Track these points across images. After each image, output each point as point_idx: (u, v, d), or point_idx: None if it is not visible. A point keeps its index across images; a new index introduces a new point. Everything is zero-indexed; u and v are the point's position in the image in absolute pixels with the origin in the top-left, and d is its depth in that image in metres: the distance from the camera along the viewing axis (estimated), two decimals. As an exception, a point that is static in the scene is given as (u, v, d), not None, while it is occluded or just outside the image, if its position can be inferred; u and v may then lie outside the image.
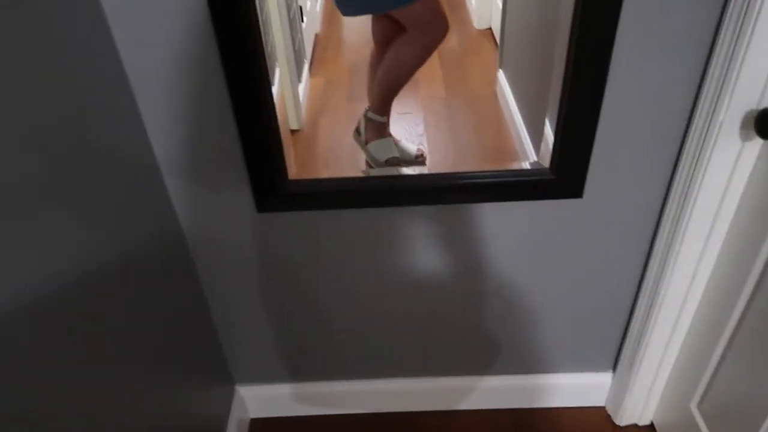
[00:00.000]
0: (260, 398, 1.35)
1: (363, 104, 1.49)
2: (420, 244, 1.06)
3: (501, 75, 1.59)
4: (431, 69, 1.74)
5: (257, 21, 0.77)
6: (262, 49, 0.80)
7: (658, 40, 0.82)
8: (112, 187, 0.79)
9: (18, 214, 0.60)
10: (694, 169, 0.92)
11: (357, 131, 1.39)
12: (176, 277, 1.01)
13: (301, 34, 1.65)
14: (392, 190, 0.95)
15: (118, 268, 0.80)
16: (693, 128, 0.90)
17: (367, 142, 1.35)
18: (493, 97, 1.60)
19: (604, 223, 1.04)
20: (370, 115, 1.35)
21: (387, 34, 1.33)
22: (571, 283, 1.13)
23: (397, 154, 1.37)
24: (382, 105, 1.36)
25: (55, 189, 0.66)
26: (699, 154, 0.90)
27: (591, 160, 0.94)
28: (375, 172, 1.39)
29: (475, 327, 1.21)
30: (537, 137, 1.19)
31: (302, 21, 1.68)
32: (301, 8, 1.66)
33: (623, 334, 1.23)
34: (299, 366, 1.30)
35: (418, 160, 1.42)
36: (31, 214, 0.62)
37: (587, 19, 0.78)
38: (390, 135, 1.38)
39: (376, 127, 1.36)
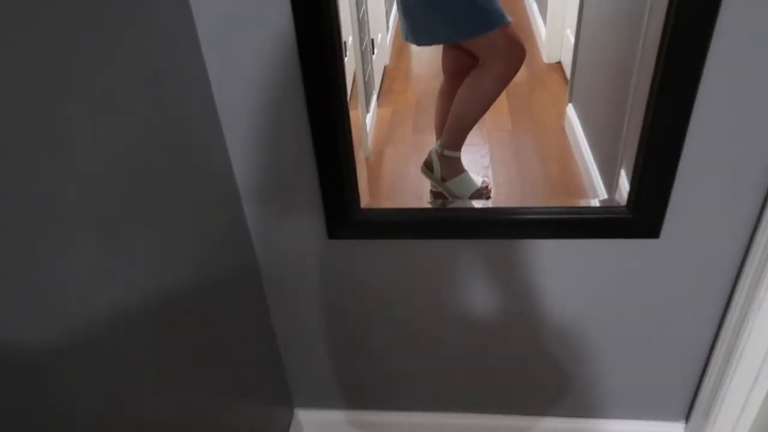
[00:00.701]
0: (318, 422, 1.35)
1: (428, 135, 1.50)
2: (486, 279, 1.05)
3: (570, 109, 1.57)
4: (498, 101, 1.74)
5: (341, 53, 0.80)
6: (344, 78, 0.82)
7: (748, 77, 0.79)
8: (195, 211, 0.82)
9: (112, 233, 0.63)
10: (783, 214, 0.87)
11: (428, 167, 1.37)
12: (246, 299, 1.04)
13: (372, 65, 1.70)
14: (462, 222, 0.95)
15: (194, 289, 0.83)
16: (782, 171, 0.86)
17: (444, 180, 1.33)
18: (561, 131, 1.59)
19: (681, 265, 1.00)
20: (446, 152, 1.33)
21: (458, 65, 1.33)
22: (642, 326, 1.09)
23: (478, 186, 1.34)
24: (457, 140, 1.33)
25: (145, 211, 0.69)
26: (788, 198, 0.86)
27: (670, 200, 0.91)
28: (438, 203, 1.39)
29: (536, 365, 1.18)
30: (608, 174, 1.17)
31: (373, 53, 1.72)
32: (372, 41, 1.71)
33: (698, 382, 1.17)
34: (357, 393, 1.29)
35: (484, 192, 1.41)
36: (120, 234, 0.65)
37: (673, 57, 0.76)
38: (465, 170, 1.35)
39: (453, 163, 1.34)
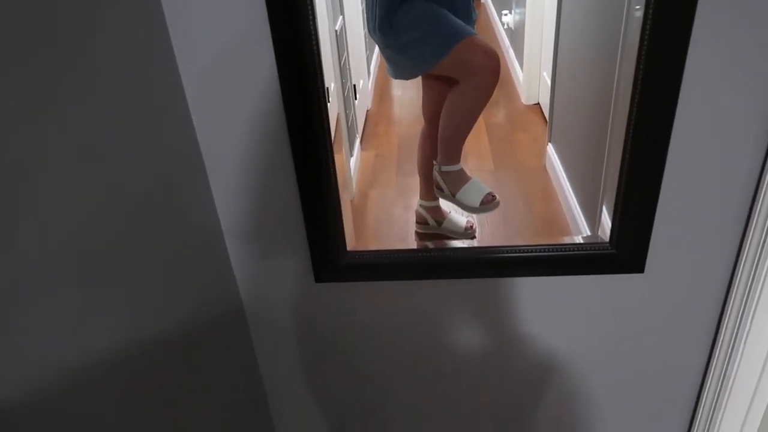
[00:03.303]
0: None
1: (412, 178, 1.51)
2: (474, 318, 1.05)
3: (551, 149, 1.60)
4: (480, 143, 1.77)
5: (324, 99, 0.81)
6: (327, 123, 0.83)
7: (721, 111, 0.82)
8: (178, 256, 0.81)
9: (90, 281, 0.62)
10: (763, 246, 0.89)
11: (438, 188, 1.36)
12: (231, 341, 1.02)
13: (354, 110, 1.72)
14: (448, 263, 0.96)
15: (178, 334, 0.81)
16: (759, 202, 0.88)
17: (454, 195, 1.33)
18: (543, 170, 1.61)
19: (667, 298, 1.00)
20: (444, 168, 1.33)
21: (438, 107, 1.36)
22: (631, 361, 1.09)
23: (487, 191, 1.33)
24: (452, 156, 1.32)
25: (127, 253, 0.69)
26: (766, 231, 0.88)
27: (652, 234, 0.93)
28: (427, 229, 1.38)
29: (528, 403, 1.17)
30: (590, 211, 1.18)
31: (355, 98, 1.75)
32: (354, 86, 1.74)
33: (691, 416, 1.16)
34: (346, 441, 1.26)
35: (468, 232, 1.42)
36: (99, 282, 0.64)
37: (647, 96, 0.79)
38: (470, 177, 1.33)
39: (456, 175, 1.33)
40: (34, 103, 0.53)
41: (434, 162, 1.36)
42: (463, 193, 1.32)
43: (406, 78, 1.39)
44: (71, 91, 0.59)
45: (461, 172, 1.34)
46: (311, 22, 0.77)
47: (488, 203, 1.31)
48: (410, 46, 1.25)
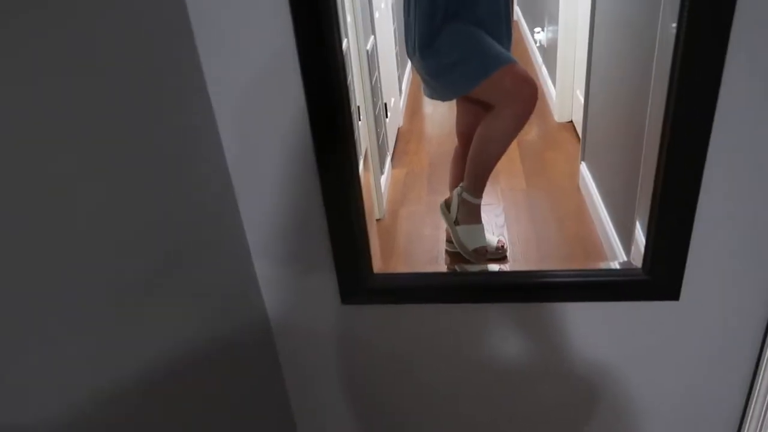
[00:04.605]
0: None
1: (442, 196, 1.51)
2: (504, 342, 1.03)
3: (584, 168, 1.58)
4: (511, 161, 1.76)
5: (351, 121, 0.82)
6: (354, 146, 0.84)
7: (759, 128, 0.79)
8: (206, 277, 0.82)
9: (120, 303, 0.63)
10: (806, 273, 0.85)
11: (447, 206, 1.35)
12: (258, 361, 1.02)
13: (385, 128, 1.73)
14: (477, 287, 0.94)
15: (205, 348, 0.82)
16: (802, 229, 0.84)
17: (457, 223, 1.32)
18: (576, 190, 1.59)
19: (703, 327, 0.97)
20: (465, 195, 1.33)
21: (472, 127, 1.35)
22: (667, 391, 1.05)
23: (485, 244, 1.32)
24: (477, 185, 1.32)
25: (156, 275, 0.70)
26: (810, 258, 0.84)
27: (688, 260, 0.90)
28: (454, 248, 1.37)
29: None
30: (625, 233, 1.16)
31: (386, 116, 1.77)
32: (386, 105, 1.75)
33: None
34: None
35: (498, 252, 1.40)
36: (131, 301, 0.65)
37: (682, 114, 0.76)
38: (481, 222, 1.34)
39: (470, 209, 1.33)
40: (69, 126, 0.55)
41: (460, 185, 1.35)
42: (465, 231, 1.32)
43: (443, 100, 1.39)
44: (108, 117, 0.60)
45: (477, 209, 1.33)
46: (338, 44, 0.77)
47: (480, 254, 1.30)
48: (450, 69, 1.25)
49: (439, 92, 1.36)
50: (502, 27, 1.23)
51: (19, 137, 0.49)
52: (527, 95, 1.23)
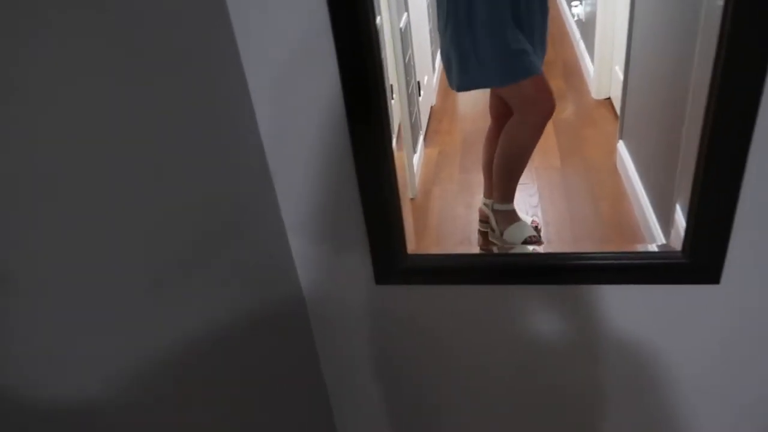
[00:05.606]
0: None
1: (475, 174, 1.49)
2: (539, 324, 1.02)
3: (621, 146, 1.54)
4: (546, 139, 1.73)
5: (385, 96, 0.81)
6: (388, 124, 0.83)
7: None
8: (242, 250, 0.84)
9: (160, 282, 0.65)
10: None
11: (489, 226, 1.39)
12: (293, 340, 1.04)
13: (418, 106, 1.72)
14: (512, 268, 0.94)
15: (242, 325, 0.84)
16: None
17: (502, 234, 1.35)
18: (613, 168, 1.55)
19: (744, 311, 0.94)
20: (497, 206, 1.36)
21: (504, 108, 1.34)
22: (705, 376, 1.03)
23: (532, 233, 1.35)
24: (506, 193, 1.36)
25: (195, 254, 0.71)
26: None
27: (730, 243, 0.87)
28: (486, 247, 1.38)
29: (598, 417, 1.13)
30: (664, 214, 1.13)
31: (419, 95, 1.75)
32: (419, 83, 1.73)
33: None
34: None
35: (533, 236, 1.39)
36: (171, 280, 0.67)
37: (728, 86, 0.74)
38: (519, 219, 1.37)
39: (506, 215, 1.36)
40: (101, 109, 0.56)
41: (485, 201, 1.39)
42: (509, 233, 1.36)
43: (458, 90, 1.38)
44: (145, 98, 0.61)
45: (513, 213, 1.37)
46: (372, 22, 0.77)
47: (531, 244, 1.35)
48: (479, 61, 1.25)
49: (456, 81, 1.34)
50: (537, 32, 1.24)
51: (61, 124, 0.50)
52: (546, 109, 1.28)
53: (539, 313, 1.01)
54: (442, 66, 1.34)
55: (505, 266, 0.95)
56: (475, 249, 1.43)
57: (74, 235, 0.52)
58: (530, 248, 1.34)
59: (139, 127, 0.60)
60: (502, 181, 1.36)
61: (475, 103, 1.86)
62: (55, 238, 0.49)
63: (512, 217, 1.36)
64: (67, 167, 0.51)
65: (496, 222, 1.36)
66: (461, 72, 1.28)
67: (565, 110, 1.90)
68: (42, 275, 0.48)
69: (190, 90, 0.70)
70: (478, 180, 1.47)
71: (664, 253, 0.91)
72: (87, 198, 0.53)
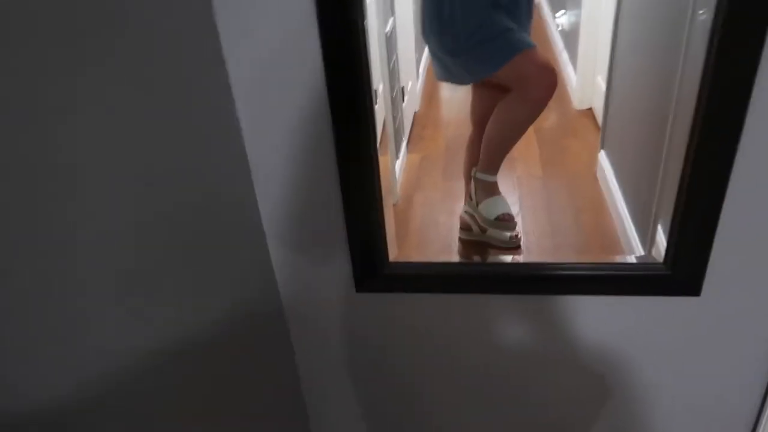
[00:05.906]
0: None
1: (458, 182, 1.48)
2: (518, 334, 1.02)
3: (603, 156, 1.54)
4: (528, 147, 1.73)
5: (371, 102, 0.80)
6: (373, 128, 0.82)
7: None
8: (221, 260, 0.82)
9: (131, 288, 0.63)
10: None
11: (470, 196, 1.35)
12: (271, 345, 1.02)
13: (402, 112, 1.71)
14: (493, 277, 0.93)
15: (218, 331, 0.82)
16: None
17: (478, 204, 1.31)
18: (594, 179, 1.56)
19: (723, 324, 0.95)
20: (480, 175, 1.31)
21: (487, 113, 1.33)
22: (683, 388, 1.04)
23: (508, 210, 1.30)
24: (491, 165, 1.31)
25: (170, 257, 0.69)
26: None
27: (711, 255, 0.87)
28: (470, 236, 1.35)
29: (577, 426, 1.13)
30: (644, 225, 1.13)
31: (403, 100, 1.74)
32: (403, 88, 1.72)
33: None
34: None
35: (512, 241, 1.38)
36: (145, 282, 0.65)
37: (714, 102, 0.74)
38: (499, 193, 1.32)
39: (487, 186, 1.31)
40: (76, 108, 0.54)
41: (466, 208, 1.35)
42: (485, 205, 1.31)
43: (460, 83, 1.36)
44: (116, 94, 0.59)
45: (494, 185, 1.32)
46: (360, 24, 0.75)
47: (504, 221, 1.29)
48: (468, 50, 1.23)
49: (456, 74, 1.32)
50: (522, 8, 1.20)
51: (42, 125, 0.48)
52: (547, 82, 1.21)
53: (519, 322, 1.01)
54: (428, 71, 1.32)
55: (485, 275, 0.95)
56: (456, 258, 1.41)
57: (43, 239, 0.49)
58: (509, 257, 1.32)
59: (117, 130, 0.58)
60: (490, 151, 1.30)
61: (460, 109, 1.86)
62: (27, 240, 0.47)
63: (493, 189, 1.31)
64: (39, 169, 0.48)
65: (475, 190, 1.32)
66: (455, 66, 1.26)
67: (547, 119, 1.90)
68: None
69: (168, 91, 0.68)
70: (461, 187, 1.46)
71: (646, 265, 0.91)
72: (56, 201, 0.51)
